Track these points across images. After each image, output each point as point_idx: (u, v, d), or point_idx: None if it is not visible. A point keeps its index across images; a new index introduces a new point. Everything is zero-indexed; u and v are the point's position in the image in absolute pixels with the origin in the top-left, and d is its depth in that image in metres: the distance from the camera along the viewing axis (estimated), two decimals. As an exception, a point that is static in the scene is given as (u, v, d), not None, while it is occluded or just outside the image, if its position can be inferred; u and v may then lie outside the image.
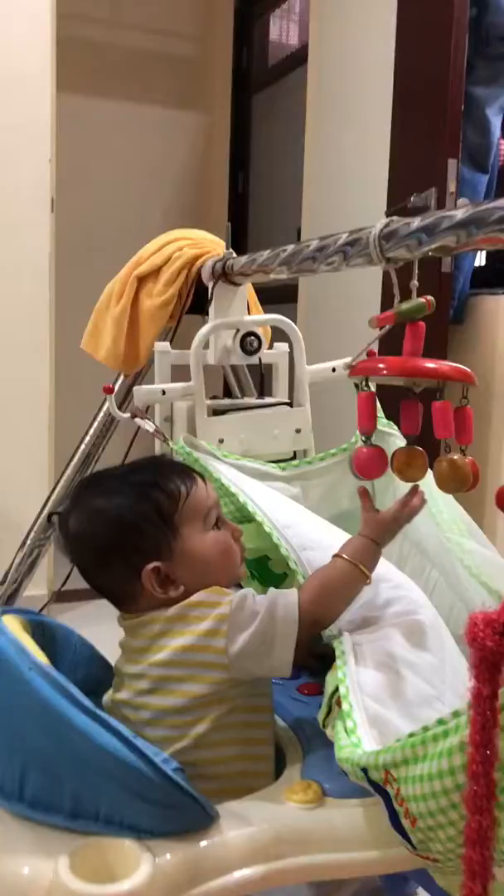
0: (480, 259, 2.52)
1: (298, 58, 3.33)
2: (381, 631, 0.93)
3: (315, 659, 1.15)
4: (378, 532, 0.94)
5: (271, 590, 0.93)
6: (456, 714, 0.61)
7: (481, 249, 0.80)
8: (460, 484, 0.91)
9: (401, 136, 2.35)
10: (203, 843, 0.78)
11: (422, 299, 0.90)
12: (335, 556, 0.94)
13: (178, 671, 0.89)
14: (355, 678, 0.85)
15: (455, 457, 0.91)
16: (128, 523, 0.93)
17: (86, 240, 3.40)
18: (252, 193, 3.82)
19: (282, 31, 3.88)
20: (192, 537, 0.95)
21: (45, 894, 0.72)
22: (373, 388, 0.95)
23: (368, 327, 0.92)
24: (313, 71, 3.02)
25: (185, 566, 0.93)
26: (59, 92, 2.54)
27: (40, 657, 0.85)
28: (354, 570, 0.92)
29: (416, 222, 0.85)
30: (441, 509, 1.17)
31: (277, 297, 2.37)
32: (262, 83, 3.80)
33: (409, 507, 0.95)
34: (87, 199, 3.54)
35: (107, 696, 0.96)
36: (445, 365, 0.91)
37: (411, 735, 0.67)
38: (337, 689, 0.85)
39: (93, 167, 3.60)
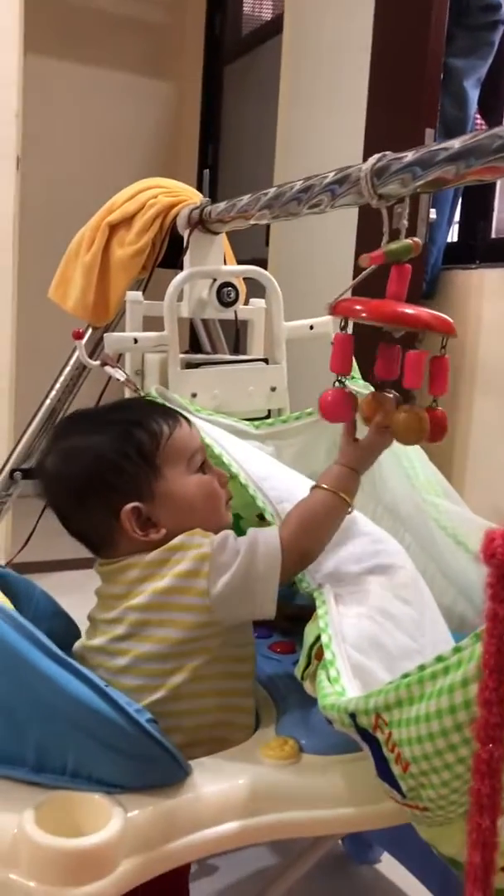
0: (453, 235, 2.51)
1: (273, 28, 3.28)
2: (362, 584, 0.91)
3: (286, 620, 1.13)
4: (356, 459, 0.90)
5: (251, 529, 0.90)
6: (457, 649, 0.58)
7: (479, 182, 0.76)
8: (418, 435, 0.87)
9: (377, 107, 2.32)
10: (176, 799, 0.75)
11: (409, 240, 0.87)
12: (314, 486, 0.91)
13: (157, 615, 0.85)
14: (338, 627, 0.82)
15: (414, 407, 0.87)
16: (106, 462, 0.89)
17: (50, 202, 3.32)
18: (222, 166, 3.76)
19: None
20: (175, 479, 0.91)
21: (8, 849, 0.68)
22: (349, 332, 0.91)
23: (341, 278, 0.89)
24: (288, 41, 2.97)
25: (166, 508, 0.90)
26: (26, 52, 2.48)
27: (5, 603, 0.80)
28: (335, 498, 0.89)
29: (410, 155, 0.82)
30: (417, 470, 1.15)
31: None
32: (234, 53, 3.74)
33: (385, 434, 0.90)
34: (52, 163, 3.45)
35: (78, 644, 0.91)
36: (426, 312, 0.87)
37: (405, 675, 0.63)
38: (317, 640, 0.83)
39: (59, 131, 3.53)
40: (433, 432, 0.88)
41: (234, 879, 1.24)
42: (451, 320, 0.87)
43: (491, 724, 0.51)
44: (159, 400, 1.13)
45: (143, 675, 0.85)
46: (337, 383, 0.89)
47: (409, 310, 0.85)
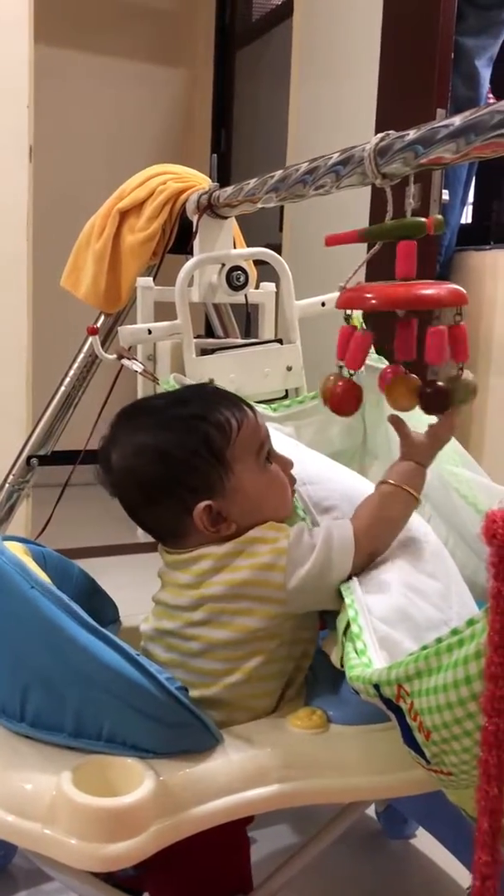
0: (467, 217, 2.50)
1: (283, 11, 3.26)
2: (386, 563, 0.91)
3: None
4: (420, 453, 0.91)
5: (325, 522, 0.91)
6: (471, 622, 0.60)
7: (481, 159, 0.77)
8: (474, 395, 0.89)
9: (388, 88, 2.30)
10: (206, 764, 0.78)
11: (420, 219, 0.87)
12: (381, 482, 0.91)
13: (233, 604, 0.86)
14: (363, 602, 0.84)
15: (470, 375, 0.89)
16: (177, 460, 0.88)
17: (64, 191, 3.33)
18: (235, 152, 3.76)
19: (266, -16, 3.80)
20: (246, 474, 0.90)
21: (47, 808, 0.72)
22: (357, 321, 0.91)
23: (354, 262, 0.89)
24: (298, 24, 2.95)
25: (237, 504, 0.89)
26: (37, 44, 2.48)
27: (43, 578, 0.83)
28: (404, 494, 0.89)
29: (412, 134, 0.82)
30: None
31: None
32: (246, 38, 3.72)
33: (447, 426, 0.92)
34: (65, 153, 3.46)
35: (147, 626, 0.93)
36: (436, 289, 0.87)
37: (424, 648, 0.65)
38: (349, 625, 0.84)
39: (72, 120, 3.53)
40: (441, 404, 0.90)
41: (268, 850, 1.26)
42: (461, 289, 0.87)
43: (497, 698, 0.52)
44: (177, 387, 1.13)
45: (219, 659, 0.87)
46: (340, 371, 0.90)
47: (419, 290, 0.85)
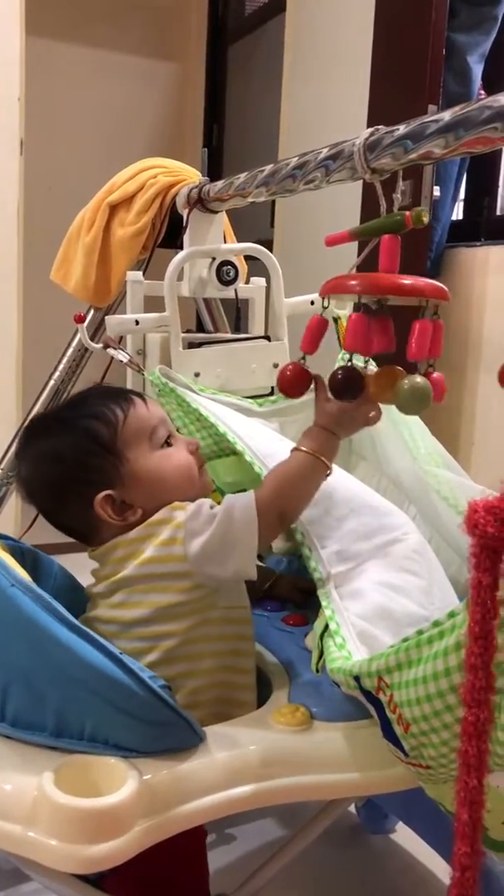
0: (457, 213, 2.50)
1: (275, 7, 3.25)
2: (366, 562, 0.92)
3: (300, 593, 1.15)
4: (331, 420, 0.91)
5: (228, 495, 0.92)
6: (452, 614, 0.60)
7: (470, 154, 0.77)
8: (422, 404, 0.87)
9: (380, 84, 2.30)
10: (190, 763, 0.77)
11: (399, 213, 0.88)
12: (292, 449, 0.92)
13: (143, 584, 0.89)
14: (339, 603, 0.85)
15: (416, 376, 0.87)
16: (70, 459, 0.92)
17: (55, 185, 3.32)
18: (226, 147, 3.75)
19: (259, -21, 3.79)
20: (138, 459, 0.93)
21: (29, 809, 0.70)
22: (341, 313, 0.92)
23: (345, 260, 0.90)
24: (290, 19, 2.95)
25: (138, 489, 0.92)
26: (28, 36, 2.47)
27: (23, 575, 0.83)
28: (312, 459, 0.90)
29: (402, 129, 0.82)
30: (418, 443, 1.15)
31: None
32: (238, 33, 3.71)
33: (361, 408, 0.91)
34: (56, 146, 3.45)
35: (81, 618, 0.94)
36: (420, 280, 0.88)
37: (405, 640, 0.65)
38: (326, 628, 0.84)
39: (63, 113, 3.51)
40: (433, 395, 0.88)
41: (250, 847, 1.27)
42: (443, 286, 0.88)
43: (477, 688, 0.52)
44: (163, 379, 1.14)
45: (133, 637, 0.88)
46: (302, 360, 0.92)
47: (402, 280, 0.86)
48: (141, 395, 0.99)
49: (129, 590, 0.89)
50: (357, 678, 0.71)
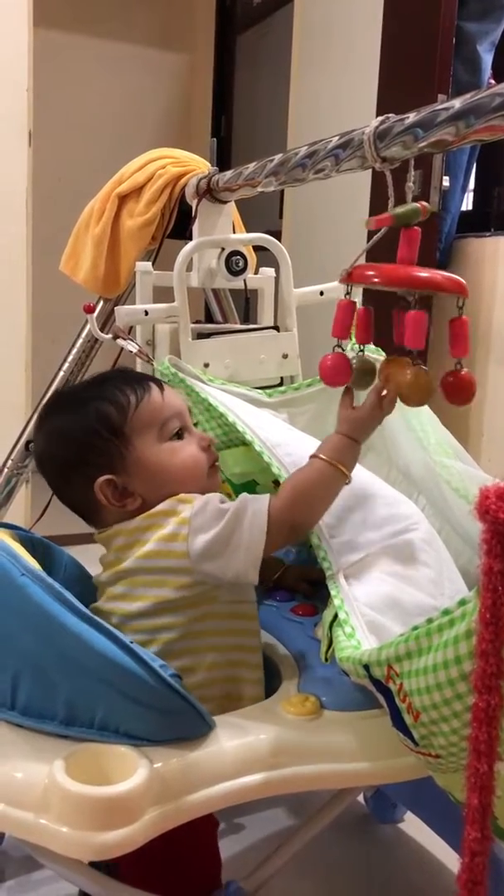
0: (467, 203, 2.49)
1: (284, -5, 3.24)
2: (375, 554, 0.91)
3: (309, 584, 1.14)
4: (355, 428, 0.89)
5: (243, 494, 0.90)
6: (462, 602, 0.60)
7: (481, 142, 0.76)
8: (422, 395, 0.87)
9: (389, 73, 2.29)
10: (200, 751, 0.77)
11: (416, 204, 0.87)
12: (312, 456, 0.90)
13: (145, 577, 0.88)
14: (349, 594, 0.84)
15: (419, 367, 0.86)
16: (78, 439, 0.92)
17: (63, 176, 3.31)
18: (235, 137, 3.74)
19: (267, -32, 3.77)
20: (145, 447, 0.93)
21: (40, 797, 0.71)
22: (356, 299, 0.91)
23: (354, 251, 0.89)
24: (299, 9, 2.94)
25: (140, 478, 0.92)
26: (36, 27, 2.46)
27: (34, 564, 0.83)
28: (332, 469, 0.88)
29: (412, 117, 0.81)
30: (428, 433, 1.15)
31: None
32: (246, 23, 3.70)
33: (385, 402, 0.89)
34: (65, 137, 3.45)
35: (91, 608, 0.94)
36: (438, 274, 0.87)
37: (415, 628, 0.65)
38: (335, 617, 0.84)
39: (71, 105, 3.51)
40: (461, 395, 0.87)
41: (260, 836, 1.27)
42: (462, 280, 0.87)
43: (488, 674, 0.52)
44: (172, 370, 1.14)
45: (133, 630, 0.87)
46: (337, 348, 0.89)
47: (421, 273, 0.85)
48: (161, 384, 0.97)
49: (129, 582, 0.88)
50: (367, 667, 0.71)
